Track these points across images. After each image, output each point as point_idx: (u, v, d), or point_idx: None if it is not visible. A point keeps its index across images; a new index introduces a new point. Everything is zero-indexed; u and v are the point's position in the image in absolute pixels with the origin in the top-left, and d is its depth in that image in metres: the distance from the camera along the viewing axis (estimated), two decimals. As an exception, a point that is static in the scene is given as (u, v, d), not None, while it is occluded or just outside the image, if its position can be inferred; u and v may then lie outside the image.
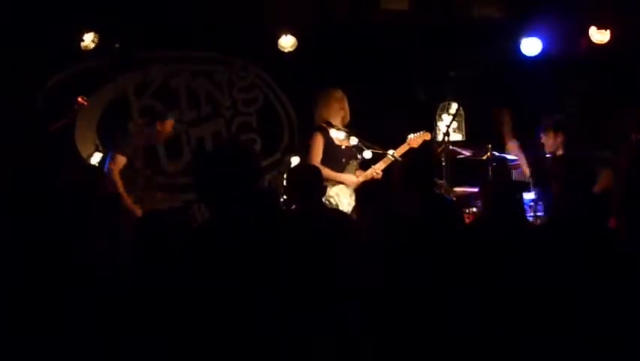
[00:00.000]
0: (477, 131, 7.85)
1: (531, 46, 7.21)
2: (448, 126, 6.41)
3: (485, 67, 7.79)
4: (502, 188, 4.14)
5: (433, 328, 3.30)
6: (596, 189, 4.54)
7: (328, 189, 5.64)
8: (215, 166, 2.95)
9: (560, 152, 6.16)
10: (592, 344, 3.18)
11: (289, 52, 7.28)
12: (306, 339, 2.88)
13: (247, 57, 7.96)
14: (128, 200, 5.83)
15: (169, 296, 2.87)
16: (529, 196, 5.95)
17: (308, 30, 7.32)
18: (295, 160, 7.05)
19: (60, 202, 3.64)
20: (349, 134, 6.08)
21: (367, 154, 6.12)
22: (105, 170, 5.67)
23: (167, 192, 7.16)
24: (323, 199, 4.74)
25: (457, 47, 7.74)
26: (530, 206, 5.92)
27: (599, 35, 7.07)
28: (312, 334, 2.92)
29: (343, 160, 6.08)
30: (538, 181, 6.00)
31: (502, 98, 7.74)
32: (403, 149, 6.17)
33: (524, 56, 7.26)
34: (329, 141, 6.03)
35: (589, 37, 7.11)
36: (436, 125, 8.03)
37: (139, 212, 5.67)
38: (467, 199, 6.43)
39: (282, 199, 6.36)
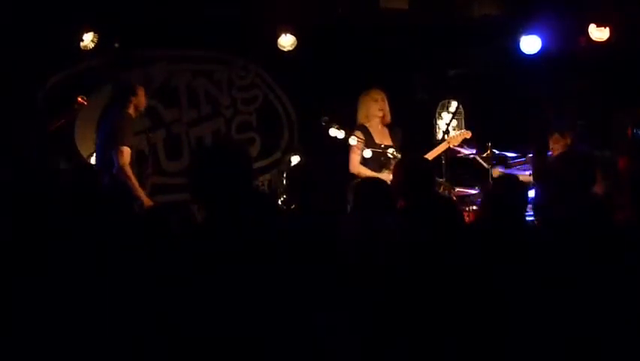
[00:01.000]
0: (477, 129, 7.86)
1: (530, 44, 7.20)
2: (448, 125, 6.42)
3: (485, 65, 7.80)
4: (503, 188, 4.14)
5: (435, 327, 3.31)
6: (597, 188, 4.53)
7: None
8: (209, 167, 2.96)
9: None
10: (592, 343, 3.19)
11: (289, 51, 7.28)
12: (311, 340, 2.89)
13: (247, 56, 7.96)
14: (141, 191, 5.73)
15: (168, 295, 2.87)
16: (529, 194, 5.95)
17: (308, 29, 7.32)
18: (295, 159, 7.05)
19: (62, 202, 3.64)
20: (349, 134, 6.09)
21: (367, 153, 6.13)
22: (115, 169, 5.58)
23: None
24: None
25: (456, 45, 7.75)
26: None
27: (599, 33, 7.06)
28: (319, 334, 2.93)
29: (382, 159, 6.05)
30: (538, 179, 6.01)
31: (502, 96, 7.75)
32: (442, 147, 6.15)
33: (524, 54, 7.26)
34: (368, 141, 6.03)
35: (588, 35, 7.10)
36: (436, 123, 8.04)
37: (150, 203, 5.60)
38: (467, 198, 6.44)
39: (281, 199, 6.39)
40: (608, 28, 7.03)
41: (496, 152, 6.43)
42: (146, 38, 7.35)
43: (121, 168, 5.53)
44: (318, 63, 7.62)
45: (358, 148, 5.97)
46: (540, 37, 7.16)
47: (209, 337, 2.77)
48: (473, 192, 6.48)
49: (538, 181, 5.92)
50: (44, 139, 6.44)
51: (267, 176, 7.85)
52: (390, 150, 6.12)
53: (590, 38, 7.11)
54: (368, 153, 6.14)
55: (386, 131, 6.19)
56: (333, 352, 3.11)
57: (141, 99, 5.97)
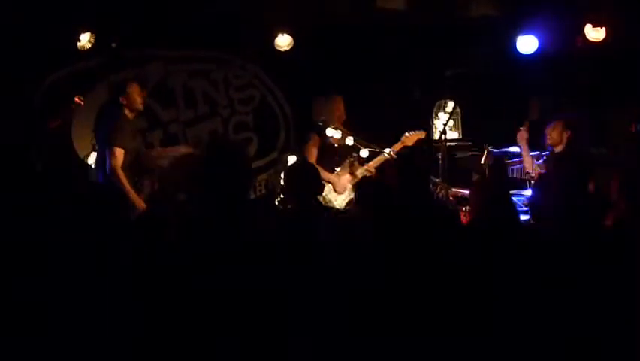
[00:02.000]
0: (474, 129, 7.88)
1: (527, 44, 7.21)
2: (445, 124, 6.42)
3: (482, 65, 7.80)
4: (493, 189, 4.16)
5: (430, 326, 3.31)
6: (592, 187, 4.55)
7: None
8: (207, 166, 2.96)
9: (560, 148, 6.18)
10: (592, 343, 3.19)
11: (286, 51, 7.28)
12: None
13: (244, 56, 7.96)
14: (134, 194, 5.62)
15: (168, 295, 2.87)
16: (526, 193, 5.97)
17: (305, 29, 7.32)
18: (292, 159, 7.06)
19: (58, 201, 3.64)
20: (345, 134, 6.11)
21: (364, 153, 6.15)
22: (107, 170, 5.51)
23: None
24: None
25: (453, 45, 7.75)
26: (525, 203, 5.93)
27: (595, 33, 7.07)
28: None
29: (337, 159, 6.15)
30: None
31: (499, 96, 7.77)
32: (396, 147, 6.22)
33: (520, 53, 7.27)
34: (324, 141, 6.11)
35: (584, 35, 7.12)
36: (433, 123, 8.05)
37: (143, 205, 5.54)
38: (464, 198, 6.45)
39: (278, 198, 6.41)
40: (604, 29, 7.04)
41: (494, 151, 6.44)
42: (143, 38, 7.34)
43: (113, 170, 5.42)
44: (314, 63, 7.63)
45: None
46: (537, 37, 7.17)
47: (209, 337, 2.78)
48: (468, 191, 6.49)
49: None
50: (42, 139, 6.44)
51: (264, 176, 7.86)
52: (387, 150, 6.15)
53: (586, 38, 7.12)
54: (365, 153, 6.17)
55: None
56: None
57: (133, 97, 5.72)
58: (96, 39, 6.72)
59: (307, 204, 4.19)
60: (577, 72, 7.79)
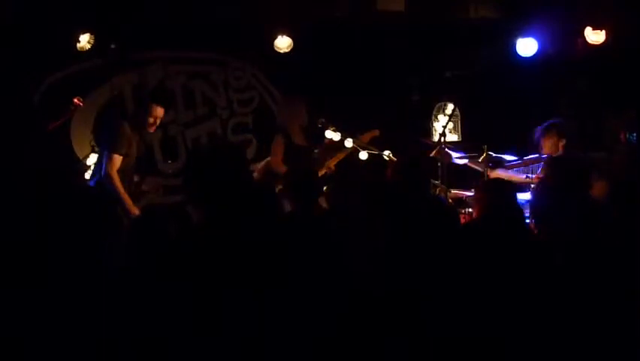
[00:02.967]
0: (473, 131, 7.87)
1: (527, 46, 7.22)
2: (445, 127, 6.41)
3: (481, 67, 7.80)
4: (495, 191, 4.16)
5: (430, 327, 3.31)
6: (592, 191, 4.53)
7: None
8: (205, 168, 2.96)
9: (557, 155, 6.17)
10: (592, 342, 3.20)
11: (285, 52, 7.28)
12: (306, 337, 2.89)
13: (243, 58, 7.96)
14: (128, 199, 5.62)
15: (168, 295, 2.87)
16: (524, 197, 5.95)
17: (304, 31, 7.33)
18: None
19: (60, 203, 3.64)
20: (345, 136, 6.11)
21: (363, 155, 6.15)
22: (102, 173, 5.49)
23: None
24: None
25: (452, 47, 7.76)
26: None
27: (595, 36, 7.08)
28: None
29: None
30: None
31: (498, 98, 7.76)
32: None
33: (520, 56, 7.27)
34: (291, 141, 6.12)
35: (584, 38, 7.12)
36: (432, 125, 8.05)
37: (136, 212, 5.55)
38: (463, 201, 6.45)
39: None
40: (603, 31, 7.05)
41: (493, 154, 6.42)
42: (143, 40, 7.34)
43: (108, 175, 5.39)
44: (314, 65, 7.62)
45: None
46: (536, 40, 7.18)
47: (209, 337, 2.78)
48: (469, 194, 6.48)
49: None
50: (41, 140, 6.43)
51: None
52: (387, 153, 6.15)
53: (585, 41, 7.13)
54: (364, 156, 6.17)
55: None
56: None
57: (155, 121, 5.64)
58: (96, 40, 6.73)
59: (309, 208, 4.18)
60: (576, 75, 7.79)
